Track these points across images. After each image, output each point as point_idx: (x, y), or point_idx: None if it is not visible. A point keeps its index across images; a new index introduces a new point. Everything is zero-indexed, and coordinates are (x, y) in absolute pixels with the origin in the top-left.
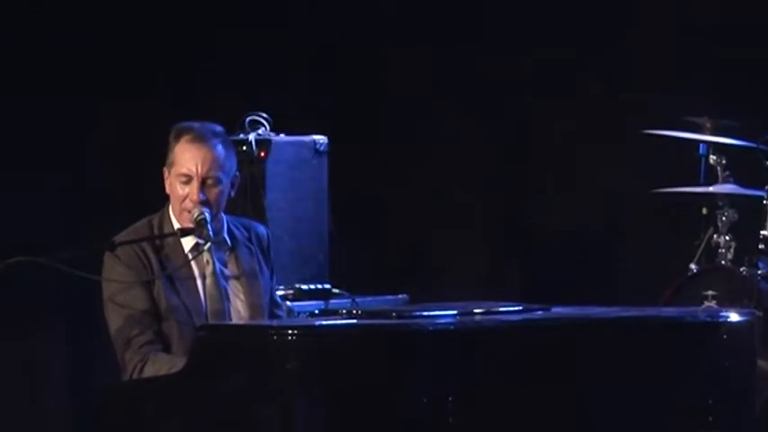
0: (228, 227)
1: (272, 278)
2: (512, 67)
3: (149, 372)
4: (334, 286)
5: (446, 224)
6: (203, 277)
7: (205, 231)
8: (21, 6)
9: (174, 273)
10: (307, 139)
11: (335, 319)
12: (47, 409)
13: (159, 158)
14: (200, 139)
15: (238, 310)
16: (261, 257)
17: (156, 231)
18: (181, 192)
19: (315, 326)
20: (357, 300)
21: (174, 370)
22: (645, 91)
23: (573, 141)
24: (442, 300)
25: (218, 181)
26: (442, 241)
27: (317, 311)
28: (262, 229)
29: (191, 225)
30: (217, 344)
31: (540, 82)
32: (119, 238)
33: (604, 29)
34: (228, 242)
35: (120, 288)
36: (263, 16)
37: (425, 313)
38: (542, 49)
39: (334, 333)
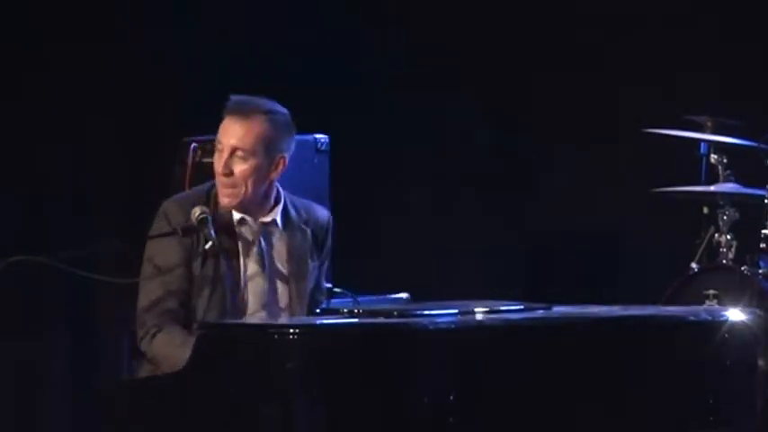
0: (285, 206)
1: (322, 266)
2: (513, 66)
3: (160, 342)
4: (335, 285)
5: (446, 224)
6: (247, 254)
7: (206, 231)
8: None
9: (218, 245)
10: (308, 137)
11: (336, 318)
12: (47, 409)
13: (160, 158)
14: (239, 111)
15: (278, 291)
16: (314, 242)
17: (212, 200)
18: (216, 163)
19: (316, 325)
20: (358, 299)
21: (184, 347)
22: (645, 90)
23: (573, 140)
24: (442, 299)
25: (249, 155)
26: (443, 241)
27: (317, 310)
28: (323, 214)
29: (227, 200)
30: (218, 342)
31: (541, 81)
32: (172, 199)
33: (605, 28)
34: (280, 223)
35: (160, 250)
36: (264, 15)
37: (426, 312)
38: (542, 48)
39: (335, 332)
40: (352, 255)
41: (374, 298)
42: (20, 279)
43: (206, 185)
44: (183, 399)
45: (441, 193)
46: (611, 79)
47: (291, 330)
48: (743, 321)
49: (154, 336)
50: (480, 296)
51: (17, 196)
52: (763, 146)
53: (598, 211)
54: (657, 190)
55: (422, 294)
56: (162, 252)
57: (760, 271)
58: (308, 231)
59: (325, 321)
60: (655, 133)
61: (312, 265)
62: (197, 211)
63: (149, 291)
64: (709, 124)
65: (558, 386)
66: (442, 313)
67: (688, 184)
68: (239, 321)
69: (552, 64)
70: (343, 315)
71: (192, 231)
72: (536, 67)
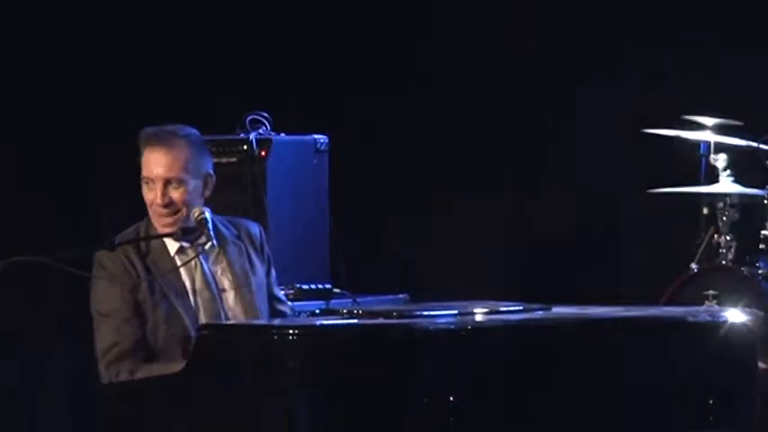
0: (215, 225)
1: (268, 274)
2: (512, 67)
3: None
4: (334, 286)
5: (447, 224)
6: (192, 279)
7: (206, 231)
8: None
9: (161, 276)
10: (307, 138)
11: (336, 319)
12: (47, 410)
13: None
14: (160, 142)
15: (231, 308)
16: (253, 254)
17: (146, 233)
18: (148, 196)
19: (316, 325)
20: (357, 299)
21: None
22: (645, 90)
23: (573, 141)
24: (442, 299)
25: (181, 182)
26: (443, 241)
27: (317, 311)
28: (253, 227)
29: (167, 229)
30: (218, 343)
31: (541, 81)
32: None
33: (604, 27)
34: (215, 242)
35: (102, 297)
36: (264, 15)
37: (426, 313)
38: (542, 49)
39: (335, 332)
40: (351, 255)
41: (373, 298)
42: (20, 279)
43: (130, 229)
44: (184, 399)
45: (440, 193)
46: (612, 79)
47: (291, 331)
48: (742, 322)
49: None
50: (480, 296)
51: (17, 196)
52: (762, 146)
53: (598, 211)
54: (657, 190)
55: (421, 295)
56: (103, 301)
57: (759, 271)
58: (243, 245)
59: (324, 322)
60: (655, 133)
61: (258, 277)
62: (196, 212)
63: (102, 337)
64: (709, 125)
65: (557, 386)
66: (442, 314)
67: (688, 184)
68: (239, 322)
69: (553, 64)
70: (342, 315)
71: (191, 232)
72: (537, 67)
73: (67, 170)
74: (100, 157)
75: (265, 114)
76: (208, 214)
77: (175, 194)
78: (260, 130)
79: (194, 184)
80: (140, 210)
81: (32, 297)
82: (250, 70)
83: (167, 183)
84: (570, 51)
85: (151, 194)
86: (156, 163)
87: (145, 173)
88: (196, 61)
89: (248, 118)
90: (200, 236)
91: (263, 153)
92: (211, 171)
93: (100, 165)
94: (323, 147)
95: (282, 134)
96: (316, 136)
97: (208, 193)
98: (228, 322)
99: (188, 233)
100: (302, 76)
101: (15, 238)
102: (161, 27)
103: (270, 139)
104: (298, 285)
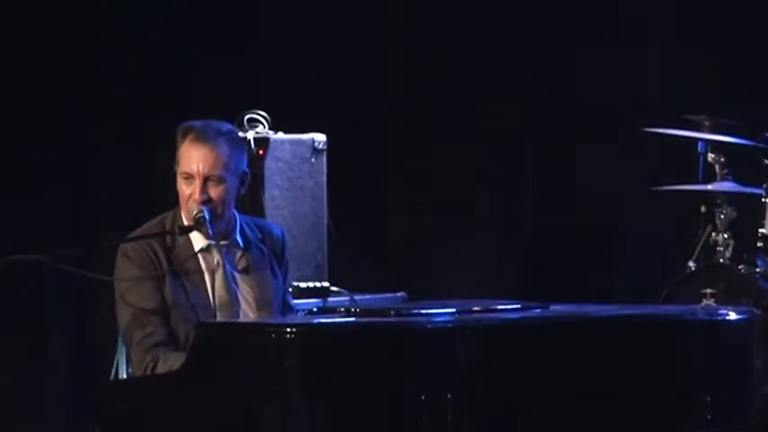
0: (241, 227)
1: (284, 281)
2: (511, 65)
3: (161, 370)
4: (332, 284)
5: (446, 223)
6: (213, 279)
7: (204, 230)
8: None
9: (183, 272)
10: (305, 137)
11: (334, 317)
12: (47, 409)
13: (158, 159)
14: (202, 138)
15: (246, 313)
16: (273, 260)
17: (168, 230)
18: (185, 191)
19: (313, 324)
20: (355, 298)
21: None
22: (644, 89)
23: (572, 140)
24: (440, 298)
25: (221, 180)
26: (442, 240)
27: (315, 309)
28: (277, 231)
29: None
30: (216, 342)
31: (540, 80)
32: (129, 239)
33: (603, 27)
34: (241, 243)
35: (130, 287)
36: (264, 15)
37: (424, 311)
38: (542, 47)
39: (332, 331)
40: (349, 254)
41: (371, 297)
42: (20, 278)
43: (157, 219)
44: (182, 398)
45: (439, 193)
46: (610, 78)
47: (289, 329)
48: (740, 320)
49: (153, 369)
50: (478, 295)
51: (17, 195)
52: (760, 145)
53: (596, 209)
54: (655, 188)
55: (421, 293)
56: (132, 291)
57: (757, 270)
58: (265, 249)
59: (322, 320)
60: (653, 132)
61: (275, 282)
62: (195, 210)
63: (131, 327)
64: (707, 123)
65: (554, 385)
66: (440, 312)
67: (686, 182)
68: (237, 321)
69: (551, 62)
70: (340, 314)
71: (189, 231)
72: (535, 64)
73: (68, 170)
74: (100, 156)
75: (263, 113)
76: (206, 213)
77: (213, 192)
78: (258, 129)
79: (232, 182)
80: (140, 209)
81: (32, 296)
82: (249, 70)
83: (207, 179)
84: (571, 48)
85: (189, 189)
86: (198, 159)
87: (184, 167)
88: (196, 61)
89: (246, 117)
90: (226, 236)
91: (260, 152)
92: (247, 169)
93: (100, 164)
94: (321, 146)
95: (280, 133)
96: (314, 135)
97: (243, 190)
98: (226, 321)
99: (188, 232)
100: (302, 76)
101: (15, 238)
102: (160, 26)
103: (267, 138)
104: (295, 284)
